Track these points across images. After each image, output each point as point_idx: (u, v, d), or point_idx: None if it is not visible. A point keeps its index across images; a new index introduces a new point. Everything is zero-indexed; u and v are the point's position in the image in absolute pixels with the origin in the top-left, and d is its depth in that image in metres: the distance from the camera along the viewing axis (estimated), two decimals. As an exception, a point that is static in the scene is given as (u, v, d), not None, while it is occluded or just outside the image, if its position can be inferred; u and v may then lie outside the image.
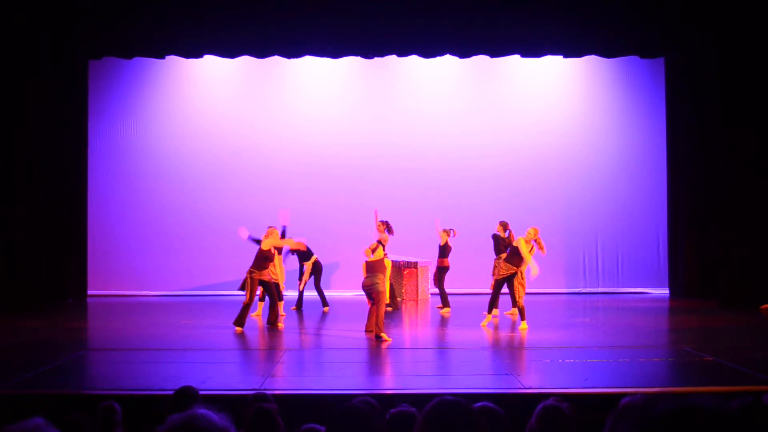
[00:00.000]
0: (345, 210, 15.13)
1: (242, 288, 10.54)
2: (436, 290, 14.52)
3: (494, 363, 8.28)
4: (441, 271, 12.91)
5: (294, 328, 11.36)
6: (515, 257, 10.60)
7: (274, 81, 15.54)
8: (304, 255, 12.75)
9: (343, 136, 15.45)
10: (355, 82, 15.66)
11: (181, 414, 1.89)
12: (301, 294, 12.94)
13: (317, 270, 12.87)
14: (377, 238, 11.04)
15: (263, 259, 10.75)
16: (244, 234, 11.72)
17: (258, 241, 11.24)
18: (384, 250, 10.37)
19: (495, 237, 12.51)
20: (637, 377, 7.64)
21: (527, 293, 12.25)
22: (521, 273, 10.61)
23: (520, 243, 10.52)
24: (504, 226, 12.45)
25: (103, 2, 13.27)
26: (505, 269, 10.68)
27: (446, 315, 12.38)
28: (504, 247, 12.07)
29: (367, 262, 9.98)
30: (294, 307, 12.87)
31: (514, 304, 10.94)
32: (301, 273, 12.86)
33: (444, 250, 12.81)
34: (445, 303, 12.72)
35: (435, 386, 7.05)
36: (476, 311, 12.41)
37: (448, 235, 12.82)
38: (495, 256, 12.35)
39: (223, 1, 13.23)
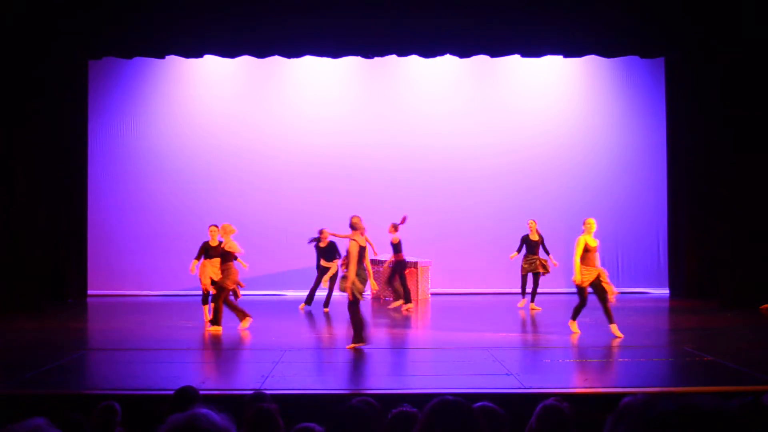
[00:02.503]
0: (345, 210, 15.08)
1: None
2: (438, 290, 14.58)
3: (494, 363, 8.28)
4: (399, 267, 12.82)
5: (294, 328, 11.36)
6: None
7: (274, 81, 15.54)
8: (330, 254, 12.71)
9: (343, 136, 15.45)
10: (355, 82, 15.66)
11: (182, 414, 1.89)
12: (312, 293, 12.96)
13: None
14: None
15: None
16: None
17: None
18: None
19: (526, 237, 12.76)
20: (637, 377, 7.64)
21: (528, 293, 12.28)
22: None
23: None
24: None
25: (103, 2, 13.27)
26: (588, 273, 9.71)
27: (408, 312, 12.37)
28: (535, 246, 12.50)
29: None
30: (325, 308, 12.76)
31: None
32: (324, 272, 12.79)
33: (397, 247, 12.77)
34: (407, 299, 12.65)
35: (435, 386, 7.05)
36: (476, 311, 12.43)
37: (396, 230, 12.73)
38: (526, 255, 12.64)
39: (223, 1, 13.23)
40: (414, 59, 14.66)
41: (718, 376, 7.49)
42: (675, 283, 14.77)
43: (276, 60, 14.43)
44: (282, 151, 15.44)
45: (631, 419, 1.48)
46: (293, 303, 13.53)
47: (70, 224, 14.39)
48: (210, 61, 14.81)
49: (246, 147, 15.45)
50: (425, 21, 13.27)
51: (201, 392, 5.15)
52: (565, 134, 15.54)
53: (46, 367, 7.79)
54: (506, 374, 7.56)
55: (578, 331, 9.82)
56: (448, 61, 14.85)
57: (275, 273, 15.08)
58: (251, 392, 4.92)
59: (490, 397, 3.95)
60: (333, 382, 7.25)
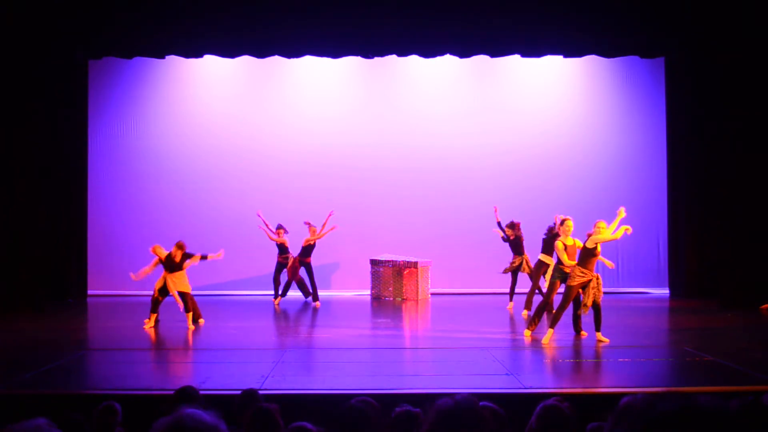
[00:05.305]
0: (345, 209, 15.11)
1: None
2: (438, 290, 14.60)
3: (494, 363, 8.28)
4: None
5: (294, 328, 11.37)
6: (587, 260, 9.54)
7: (274, 81, 15.54)
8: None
9: (343, 135, 15.45)
10: (355, 82, 15.65)
11: (168, 417, 1.86)
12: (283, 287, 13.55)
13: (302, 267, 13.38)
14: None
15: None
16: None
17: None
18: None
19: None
20: (637, 377, 7.64)
21: (521, 293, 12.26)
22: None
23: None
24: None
25: (103, 2, 13.28)
26: (581, 275, 9.48)
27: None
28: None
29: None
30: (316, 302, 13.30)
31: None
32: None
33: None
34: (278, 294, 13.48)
35: (435, 386, 7.04)
36: (476, 311, 12.41)
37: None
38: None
39: (223, 1, 13.24)
40: (414, 59, 14.66)
41: (718, 376, 7.49)
42: (675, 283, 14.76)
43: (276, 60, 14.44)
44: (282, 151, 15.44)
45: (631, 419, 1.48)
46: (293, 303, 13.52)
47: (70, 224, 14.39)
48: (210, 61, 14.81)
49: (246, 147, 15.45)
50: (425, 21, 13.28)
51: (201, 392, 5.15)
52: (565, 134, 15.54)
53: (46, 367, 7.79)
54: (506, 374, 7.56)
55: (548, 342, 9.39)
56: (448, 61, 14.85)
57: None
58: (240, 392, 4.89)
59: (490, 397, 3.95)
60: (333, 382, 7.24)
